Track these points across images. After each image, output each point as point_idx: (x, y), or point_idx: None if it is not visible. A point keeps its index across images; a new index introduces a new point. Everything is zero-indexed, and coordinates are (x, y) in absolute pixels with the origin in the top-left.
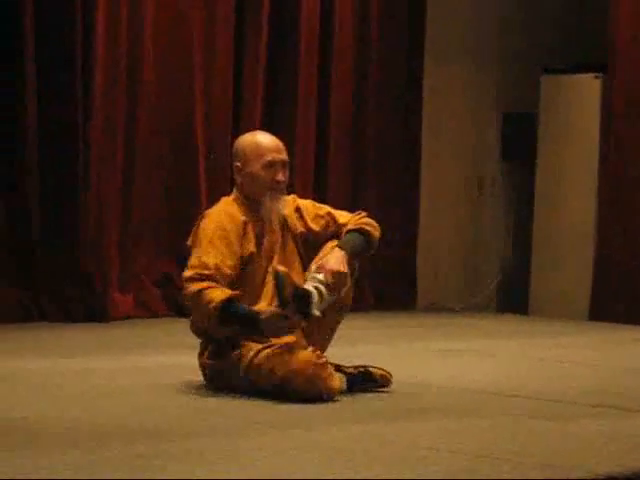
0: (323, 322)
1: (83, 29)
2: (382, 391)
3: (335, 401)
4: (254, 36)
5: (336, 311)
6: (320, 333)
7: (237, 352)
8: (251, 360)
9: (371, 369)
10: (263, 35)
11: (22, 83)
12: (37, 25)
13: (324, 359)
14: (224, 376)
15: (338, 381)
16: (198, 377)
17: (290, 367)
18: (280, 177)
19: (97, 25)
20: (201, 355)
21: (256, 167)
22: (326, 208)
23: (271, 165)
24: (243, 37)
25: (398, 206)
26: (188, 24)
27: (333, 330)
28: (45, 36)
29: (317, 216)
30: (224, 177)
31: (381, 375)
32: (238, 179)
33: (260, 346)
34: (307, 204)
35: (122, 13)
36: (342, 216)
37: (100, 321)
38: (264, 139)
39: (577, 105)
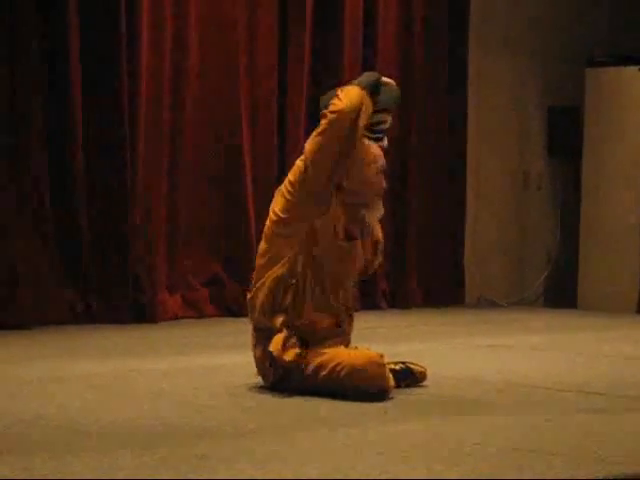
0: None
1: (127, 34)
2: (425, 386)
3: (387, 398)
4: (297, 38)
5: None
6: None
7: (299, 351)
8: (316, 358)
9: (410, 365)
10: (307, 36)
11: (69, 97)
12: (82, 31)
13: (383, 358)
14: (284, 374)
15: (392, 380)
16: (248, 377)
17: (354, 365)
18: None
19: (141, 30)
20: (258, 349)
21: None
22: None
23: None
24: (286, 39)
25: (444, 202)
26: (232, 28)
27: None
28: (89, 42)
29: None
30: (270, 178)
31: (419, 372)
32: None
33: (322, 347)
34: None
35: (166, 17)
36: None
37: (148, 322)
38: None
39: (622, 98)
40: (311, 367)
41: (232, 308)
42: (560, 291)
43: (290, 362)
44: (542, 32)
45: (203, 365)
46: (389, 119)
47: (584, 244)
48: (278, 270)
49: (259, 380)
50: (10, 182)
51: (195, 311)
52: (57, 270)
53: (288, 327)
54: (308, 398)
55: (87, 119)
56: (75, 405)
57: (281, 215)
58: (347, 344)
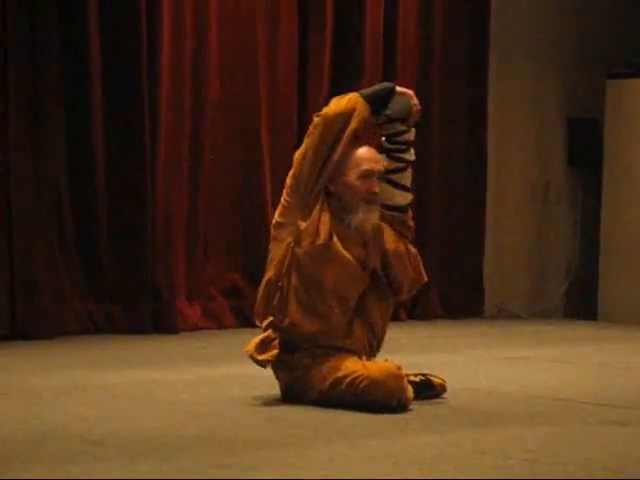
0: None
1: (148, 37)
2: (444, 398)
3: (406, 410)
4: (318, 40)
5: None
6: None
7: (309, 361)
8: (332, 374)
9: (430, 377)
10: (327, 39)
11: (89, 100)
12: (101, 28)
13: (401, 370)
14: (297, 386)
15: (411, 391)
16: (267, 387)
17: (372, 378)
18: (376, 188)
19: (162, 34)
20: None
21: (351, 176)
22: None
23: (368, 175)
24: (307, 40)
25: (463, 213)
26: (252, 34)
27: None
28: (109, 43)
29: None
30: None
31: (439, 384)
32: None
33: (334, 361)
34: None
35: (187, 17)
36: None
37: (168, 332)
38: (363, 149)
39: None
40: (328, 382)
41: (251, 318)
42: (580, 302)
43: (263, 362)
44: (562, 43)
45: (222, 375)
46: (411, 131)
47: (604, 255)
48: (270, 273)
49: (278, 391)
50: (29, 186)
51: (215, 321)
52: (77, 280)
53: (274, 329)
54: (327, 409)
55: (107, 128)
56: (94, 415)
57: (278, 219)
58: (360, 356)
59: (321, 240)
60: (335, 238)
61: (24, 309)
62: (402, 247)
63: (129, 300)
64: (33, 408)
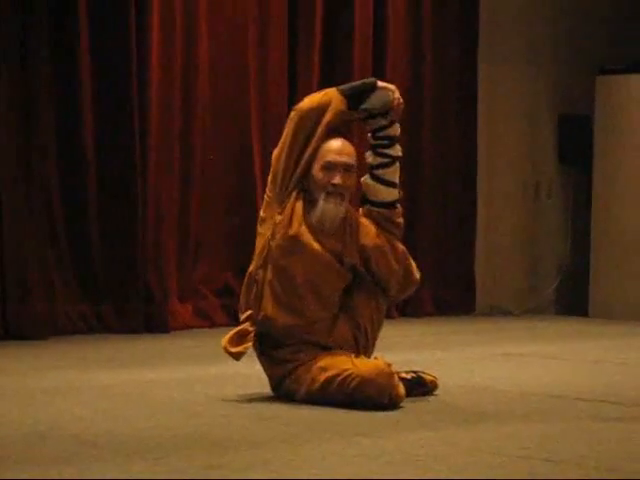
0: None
1: (137, 32)
2: (436, 395)
3: (398, 407)
4: (308, 39)
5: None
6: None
7: (296, 358)
8: (321, 374)
9: (422, 374)
10: (317, 38)
11: (79, 100)
12: (91, 28)
13: (392, 367)
14: (286, 384)
15: (403, 388)
16: (260, 387)
17: (363, 377)
18: (337, 180)
19: (151, 38)
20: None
21: (315, 168)
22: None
23: (329, 167)
24: (297, 40)
25: (455, 211)
26: (242, 34)
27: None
28: (100, 39)
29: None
30: None
31: (430, 381)
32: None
33: (326, 359)
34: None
35: (176, 17)
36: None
37: (160, 332)
38: (331, 141)
39: (633, 105)
40: (318, 383)
41: None
42: (571, 299)
43: (236, 354)
44: (553, 40)
45: (215, 375)
46: (395, 126)
47: (595, 252)
48: (251, 266)
49: (270, 390)
50: (21, 191)
51: (206, 320)
52: (69, 281)
53: (252, 322)
54: (320, 407)
55: (97, 130)
56: (88, 415)
57: (261, 215)
58: (346, 352)
59: (292, 232)
60: (304, 229)
61: (16, 310)
62: (384, 243)
63: (121, 300)
64: (27, 409)
